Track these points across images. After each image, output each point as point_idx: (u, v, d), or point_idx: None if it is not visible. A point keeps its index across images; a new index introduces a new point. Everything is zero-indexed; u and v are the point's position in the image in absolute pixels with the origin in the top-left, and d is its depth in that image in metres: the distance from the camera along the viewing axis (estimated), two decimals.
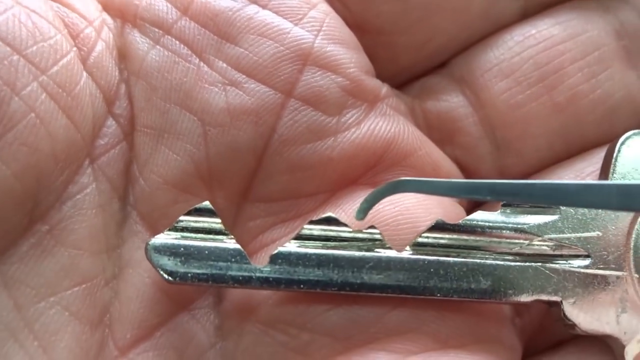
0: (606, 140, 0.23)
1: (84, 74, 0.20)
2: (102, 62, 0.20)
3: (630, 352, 0.19)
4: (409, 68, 0.24)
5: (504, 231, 0.20)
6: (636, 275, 0.20)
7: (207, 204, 0.20)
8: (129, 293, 0.20)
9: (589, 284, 0.20)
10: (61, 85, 0.19)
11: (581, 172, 0.23)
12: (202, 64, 0.21)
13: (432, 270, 0.20)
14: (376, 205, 0.20)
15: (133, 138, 0.20)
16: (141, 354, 0.20)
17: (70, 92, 0.19)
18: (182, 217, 0.20)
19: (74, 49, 0.20)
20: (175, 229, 0.20)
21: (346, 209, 0.21)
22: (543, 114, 0.23)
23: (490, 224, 0.20)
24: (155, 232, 0.20)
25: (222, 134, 0.20)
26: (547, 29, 0.23)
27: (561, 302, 0.20)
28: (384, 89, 0.23)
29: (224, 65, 0.21)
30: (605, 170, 0.21)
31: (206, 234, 0.20)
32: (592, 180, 0.22)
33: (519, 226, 0.20)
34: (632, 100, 0.23)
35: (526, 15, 0.24)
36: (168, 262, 0.19)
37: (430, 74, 0.24)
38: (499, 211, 0.21)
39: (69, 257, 0.19)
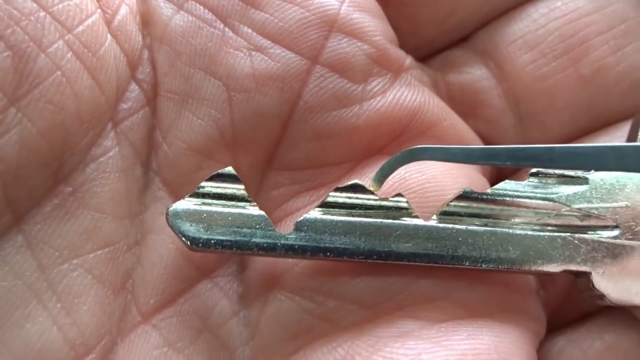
0: (631, 114, 0.22)
1: (109, 36, 0.19)
2: (125, 26, 0.20)
3: None
4: (432, 41, 0.24)
5: (532, 201, 0.20)
6: None
7: (230, 169, 0.19)
8: (152, 259, 0.20)
9: (617, 255, 0.20)
10: (86, 45, 0.19)
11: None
12: (226, 29, 0.20)
13: (460, 239, 0.19)
14: (397, 172, 0.20)
15: (156, 104, 0.20)
16: (164, 319, 0.19)
17: (95, 52, 0.19)
18: (203, 183, 0.19)
19: (99, 10, 0.19)
20: (197, 195, 0.19)
21: (371, 178, 0.20)
22: (569, 86, 0.23)
23: (518, 194, 0.20)
24: (179, 198, 0.20)
25: (247, 100, 0.20)
26: (572, 2, 0.23)
27: (590, 272, 0.20)
28: (408, 59, 0.22)
29: (249, 30, 0.20)
30: (632, 141, 0.21)
31: (228, 200, 0.19)
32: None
33: (547, 196, 0.20)
34: None
35: None
36: (190, 229, 0.19)
37: (453, 47, 0.24)
38: (527, 181, 0.20)
39: (91, 220, 0.19)
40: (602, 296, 0.20)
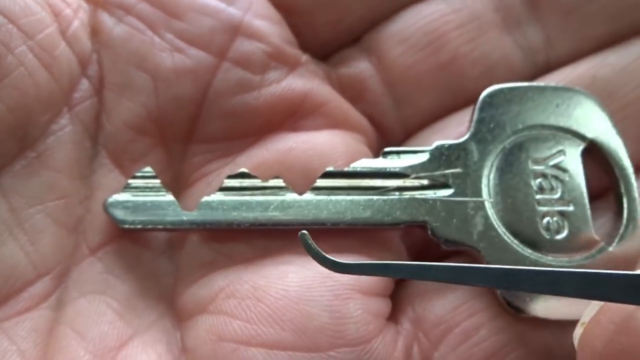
0: None
1: (63, 42, 0.24)
2: (77, 35, 0.25)
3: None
4: (329, 43, 0.28)
5: (385, 172, 0.24)
6: (491, 200, 0.24)
7: (149, 169, 0.24)
8: (98, 209, 0.24)
9: (452, 209, 0.24)
10: (44, 48, 0.23)
11: (463, 120, 0.26)
12: (154, 35, 0.25)
13: (322, 206, 0.24)
14: (285, 143, 0.26)
15: (102, 93, 0.25)
16: (107, 252, 0.24)
17: (51, 53, 0.24)
18: (130, 180, 0.24)
19: (55, 24, 0.24)
20: (126, 189, 0.24)
21: (269, 149, 0.25)
22: (431, 71, 0.27)
23: (373, 169, 0.24)
24: (119, 164, 0.25)
25: (169, 88, 0.25)
26: (435, 6, 0.27)
27: (428, 224, 0.24)
28: (304, 57, 0.26)
29: (171, 36, 0.25)
30: (470, 119, 0.25)
31: (149, 191, 0.24)
32: None
33: (396, 168, 0.24)
34: (508, 61, 0.27)
35: None
36: (120, 213, 0.24)
37: (347, 48, 0.28)
38: (380, 157, 0.25)
39: (51, 177, 0.23)
40: (443, 242, 0.24)
